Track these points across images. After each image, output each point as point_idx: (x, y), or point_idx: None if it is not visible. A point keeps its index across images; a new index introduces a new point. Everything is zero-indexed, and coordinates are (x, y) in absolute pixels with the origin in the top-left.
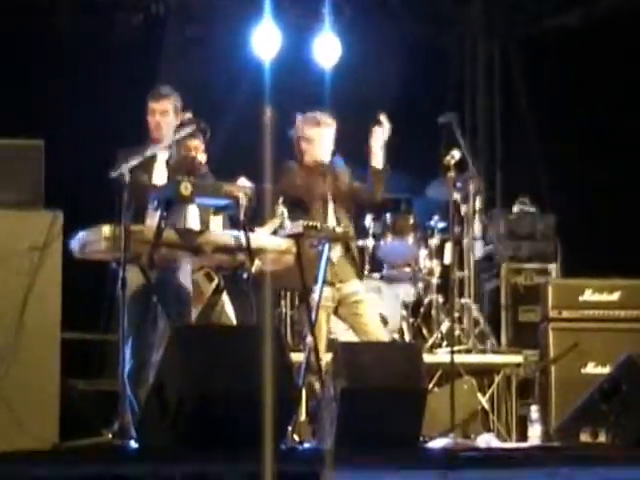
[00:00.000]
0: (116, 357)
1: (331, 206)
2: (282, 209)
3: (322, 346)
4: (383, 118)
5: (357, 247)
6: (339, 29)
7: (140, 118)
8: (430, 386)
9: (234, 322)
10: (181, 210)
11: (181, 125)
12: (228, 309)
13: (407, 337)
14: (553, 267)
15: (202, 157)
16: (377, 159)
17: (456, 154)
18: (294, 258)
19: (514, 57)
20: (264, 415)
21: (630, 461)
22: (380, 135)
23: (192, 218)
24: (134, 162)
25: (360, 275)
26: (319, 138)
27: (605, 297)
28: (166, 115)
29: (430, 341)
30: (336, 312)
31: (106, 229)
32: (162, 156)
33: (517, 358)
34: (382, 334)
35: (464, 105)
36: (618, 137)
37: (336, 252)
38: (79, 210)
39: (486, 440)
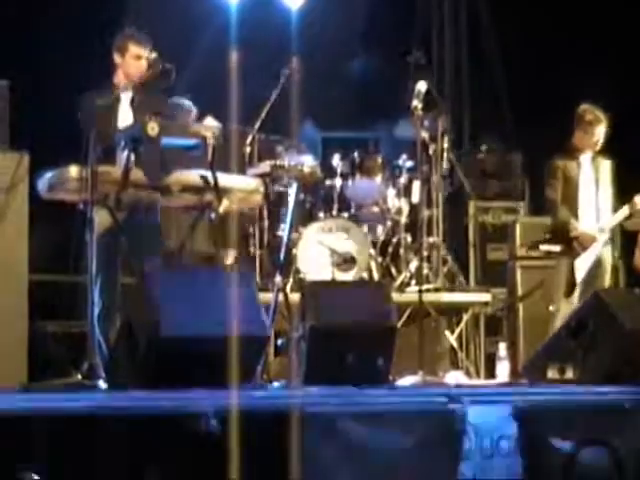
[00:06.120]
0: (85, 299)
1: None
2: None
3: None
4: None
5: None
6: None
7: (106, 60)
8: (399, 325)
9: None
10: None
11: (148, 67)
12: None
13: (376, 276)
14: (521, 205)
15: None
16: None
17: (422, 86)
18: (262, 198)
19: None
20: (231, 354)
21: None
22: None
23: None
24: (100, 103)
25: None
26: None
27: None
28: (145, 60)
29: (399, 280)
30: None
31: (73, 169)
32: (126, 97)
33: (485, 296)
34: None
35: (431, 41)
36: (586, 74)
37: None
38: (46, 151)
39: (454, 377)
